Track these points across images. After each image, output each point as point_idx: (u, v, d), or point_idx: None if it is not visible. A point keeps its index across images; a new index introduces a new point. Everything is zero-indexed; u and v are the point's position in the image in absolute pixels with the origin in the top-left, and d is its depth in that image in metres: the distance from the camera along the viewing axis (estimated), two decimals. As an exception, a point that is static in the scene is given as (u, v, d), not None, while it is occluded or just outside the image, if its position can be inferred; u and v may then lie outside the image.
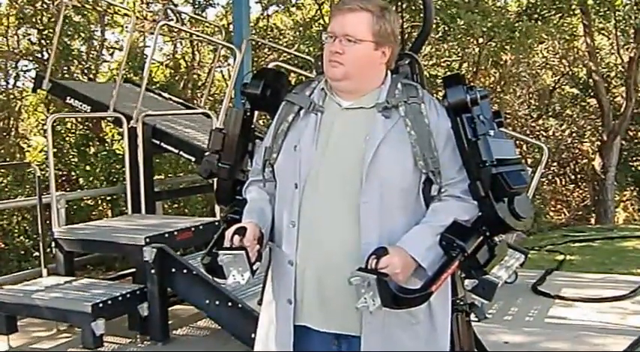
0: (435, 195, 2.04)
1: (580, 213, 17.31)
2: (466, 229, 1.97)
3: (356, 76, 2.06)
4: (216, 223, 5.09)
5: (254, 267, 1.95)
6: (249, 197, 2.21)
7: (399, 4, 10.71)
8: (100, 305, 4.23)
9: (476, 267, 1.95)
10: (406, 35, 11.88)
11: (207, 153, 2.28)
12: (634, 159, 17.16)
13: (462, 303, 2.15)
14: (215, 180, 2.36)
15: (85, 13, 11.28)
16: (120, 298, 4.40)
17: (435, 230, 1.99)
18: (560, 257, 7.98)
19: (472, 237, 1.95)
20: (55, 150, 10.22)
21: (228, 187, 2.24)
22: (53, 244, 5.03)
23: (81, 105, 6.69)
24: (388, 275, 1.85)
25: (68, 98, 6.85)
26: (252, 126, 2.34)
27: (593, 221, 15.36)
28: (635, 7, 12.89)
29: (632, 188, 17.01)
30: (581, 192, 17.93)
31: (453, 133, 2.03)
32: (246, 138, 2.29)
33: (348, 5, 2.04)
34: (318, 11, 13.61)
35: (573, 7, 13.12)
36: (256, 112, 2.45)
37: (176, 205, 10.48)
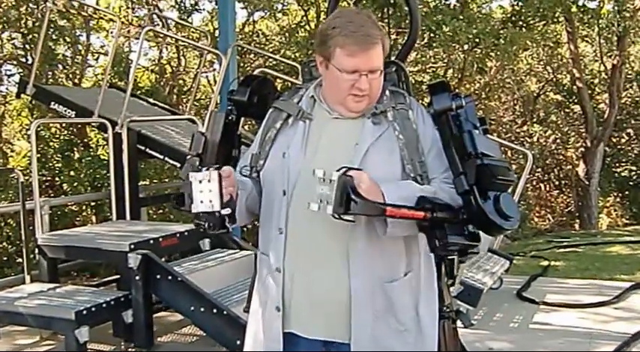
0: None
1: (564, 218, 17.44)
2: (445, 202, 1.93)
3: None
4: (201, 230, 5.06)
5: (224, 210, 1.88)
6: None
7: (385, 10, 10.74)
8: (84, 312, 4.19)
9: (440, 237, 1.88)
10: (392, 41, 11.92)
11: (188, 157, 2.26)
12: (617, 165, 17.31)
13: (448, 310, 2.15)
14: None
15: (70, 17, 11.21)
16: (104, 305, 4.36)
17: (416, 188, 1.97)
18: (545, 263, 8.02)
19: (448, 210, 1.90)
20: (39, 155, 10.16)
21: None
22: (36, 250, 4.99)
23: (65, 111, 6.64)
24: (352, 178, 1.84)
25: (52, 103, 6.79)
26: (238, 132, 2.33)
27: (577, 226, 15.47)
28: (617, 16, 13.01)
29: (615, 194, 17.16)
30: (565, 197, 18.06)
31: (439, 134, 2.03)
32: (230, 143, 2.28)
33: (368, 42, 1.99)
34: (304, 17, 13.62)
35: (557, 14, 13.22)
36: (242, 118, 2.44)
37: (161, 211, 10.42)
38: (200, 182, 1.86)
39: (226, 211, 1.89)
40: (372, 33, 2.00)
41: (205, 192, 1.86)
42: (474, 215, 1.91)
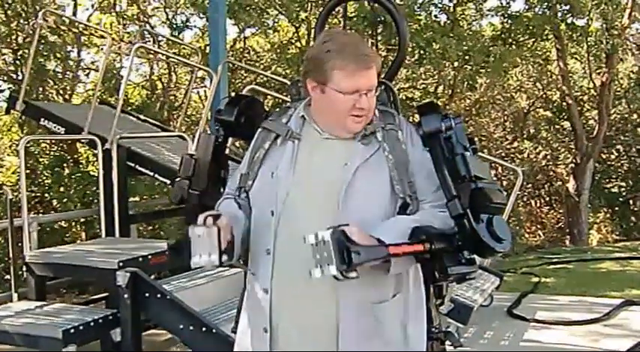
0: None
1: (555, 234, 17.49)
2: (439, 230, 1.92)
3: None
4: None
5: (222, 258, 1.90)
6: (221, 207, 2.18)
7: (376, 28, 10.81)
8: (72, 330, 4.14)
9: (439, 269, 1.88)
10: (382, 59, 11.97)
11: (177, 179, 2.25)
12: (607, 181, 17.40)
13: (437, 331, 2.14)
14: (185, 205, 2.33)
15: (61, 33, 11.22)
16: (92, 323, 4.32)
17: (407, 220, 1.96)
18: (536, 279, 8.01)
19: (444, 239, 1.89)
20: (29, 171, 10.14)
21: (198, 214, 2.22)
22: (24, 268, 4.95)
23: (55, 127, 6.63)
24: (343, 232, 1.80)
25: (42, 119, 6.79)
26: (225, 152, 2.33)
27: (567, 242, 15.50)
28: (606, 33, 13.14)
29: (605, 210, 17.23)
30: (555, 213, 18.13)
31: (431, 155, 2.02)
32: (218, 164, 2.27)
33: (368, 61, 2.01)
34: (295, 34, 13.68)
35: (546, 32, 13.35)
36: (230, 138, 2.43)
37: (151, 228, 10.39)
38: (199, 236, 1.89)
39: (225, 259, 1.93)
40: (369, 52, 2.03)
41: (204, 246, 1.89)
42: (468, 238, 1.90)
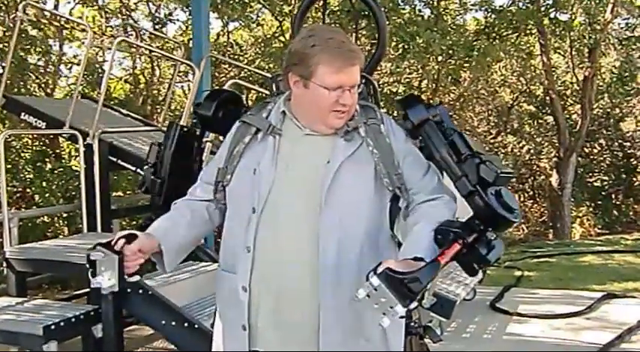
0: (404, 209, 2.03)
1: (538, 228, 17.57)
2: (457, 222, 1.90)
3: None
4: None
5: (129, 279, 1.98)
6: (171, 211, 2.18)
7: (359, 21, 10.80)
8: (52, 327, 4.10)
9: (479, 260, 1.84)
10: (365, 53, 11.96)
11: (145, 167, 2.23)
12: (589, 175, 17.51)
13: (416, 326, 2.14)
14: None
15: (42, 27, 11.10)
16: (73, 319, 4.28)
17: (423, 231, 1.92)
18: (518, 273, 8.05)
19: (466, 228, 1.86)
20: (11, 166, 10.03)
21: (159, 203, 2.19)
22: (4, 264, 4.90)
23: (36, 122, 6.55)
24: (387, 270, 1.73)
25: (23, 114, 6.70)
26: (201, 146, 2.30)
27: (550, 236, 15.60)
28: (588, 28, 13.20)
29: (587, 204, 17.33)
30: (538, 207, 18.22)
31: (425, 143, 2.03)
32: (189, 158, 2.24)
33: (353, 57, 2.00)
34: (279, 28, 13.63)
35: (530, 26, 13.39)
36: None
37: (135, 223, 10.32)
38: (100, 259, 1.93)
39: (134, 279, 2.01)
40: (354, 48, 2.02)
41: (106, 269, 1.93)
42: (482, 213, 1.88)
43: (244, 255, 2.02)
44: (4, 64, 8.36)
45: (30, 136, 10.58)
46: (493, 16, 13.16)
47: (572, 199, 15.65)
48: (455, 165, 1.94)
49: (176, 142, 2.20)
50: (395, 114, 2.20)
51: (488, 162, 1.91)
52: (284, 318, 2.00)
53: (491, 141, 17.68)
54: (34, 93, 11.12)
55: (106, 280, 1.92)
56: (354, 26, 11.36)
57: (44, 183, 9.56)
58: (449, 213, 1.98)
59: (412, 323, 2.13)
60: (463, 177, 1.92)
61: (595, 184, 17.43)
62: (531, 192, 18.53)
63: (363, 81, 2.27)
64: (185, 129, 2.22)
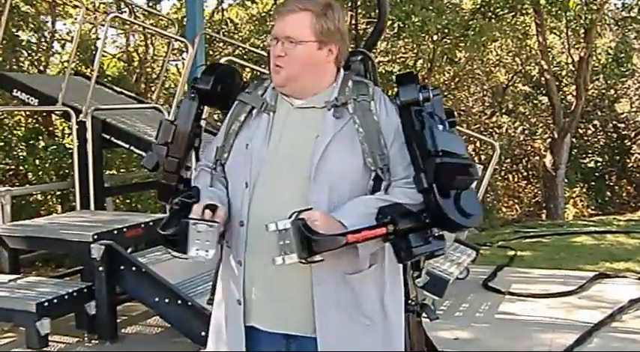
0: (383, 190, 2.00)
1: (531, 208, 17.67)
2: (405, 209, 1.91)
3: (299, 78, 2.02)
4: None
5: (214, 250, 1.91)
6: (201, 183, 2.14)
7: (356, 0, 10.72)
8: (45, 303, 4.11)
9: (405, 248, 1.87)
10: (361, 31, 11.91)
11: (155, 145, 2.19)
12: (583, 156, 17.56)
13: (413, 304, 2.14)
14: (161, 174, 2.26)
15: (34, 3, 10.99)
16: (66, 296, 4.28)
17: (373, 201, 1.95)
18: (511, 253, 8.09)
19: (410, 217, 1.88)
20: (3, 143, 10.00)
21: (174, 182, 2.16)
22: (-3, 241, 4.89)
23: (28, 98, 6.50)
24: (303, 219, 1.83)
25: (15, 90, 6.65)
26: (201, 121, 2.27)
27: (544, 216, 15.67)
28: (584, 8, 13.14)
29: (581, 185, 17.42)
30: (532, 188, 18.29)
31: (402, 128, 1.99)
32: (194, 133, 2.22)
33: (287, 7, 2.00)
34: (274, 5, 13.53)
35: (526, 6, 13.33)
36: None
37: (128, 200, 10.31)
38: (199, 232, 1.87)
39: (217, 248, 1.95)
40: (298, 3, 2.00)
41: (202, 241, 1.88)
42: (434, 213, 1.89)
43: (239, 230, 2.02)
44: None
45: (23, 113, 10.51)
46: (489, -5, 13.09)
47: (566, 180, 15.71)
48: (420, 158, 1.93)
49: (194, 119, 2.17)
50: (389, 93, 2.16)
51: (448, 165, 1.88)
52: (277, 293, 2.00)
53: (486, 121, 17.68)
54: (26, 70, 11.03)
55: (203, 252, 1.87)
56: (350, 5, 11.28)
57: (37, 161, 9.50)
58: (417, 202, 1.94)
59: (410, 301, 2.13)
60: (422, 173, 1.91)
61: (589, 165, 17.50)
62: (525, 173, 18.59)
63: (359, 57, 2.24)
64: (200, 108, 2.19)
